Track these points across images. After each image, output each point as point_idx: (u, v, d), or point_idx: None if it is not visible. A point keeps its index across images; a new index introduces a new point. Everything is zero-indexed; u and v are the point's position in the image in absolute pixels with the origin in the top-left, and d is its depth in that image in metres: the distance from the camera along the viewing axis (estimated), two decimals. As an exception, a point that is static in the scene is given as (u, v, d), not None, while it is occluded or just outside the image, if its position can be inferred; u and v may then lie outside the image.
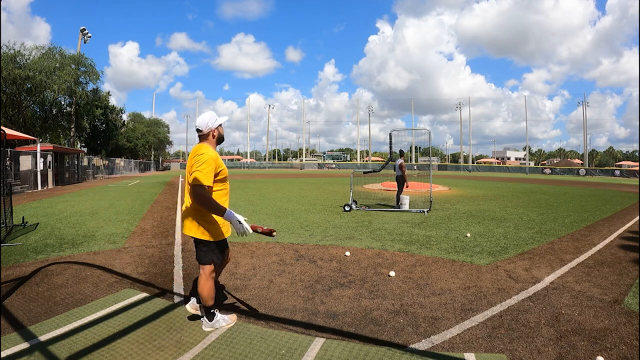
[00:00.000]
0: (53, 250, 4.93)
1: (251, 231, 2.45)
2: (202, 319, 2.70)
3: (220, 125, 2.65)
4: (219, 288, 3.43)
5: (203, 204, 2.40)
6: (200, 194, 2.38)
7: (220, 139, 2.68)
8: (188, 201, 2.57)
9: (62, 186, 18.16)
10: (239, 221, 2.40)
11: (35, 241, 5.44)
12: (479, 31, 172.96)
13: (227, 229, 2.65)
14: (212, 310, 2.66)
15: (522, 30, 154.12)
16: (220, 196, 2.58)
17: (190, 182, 2.45)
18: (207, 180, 2.40)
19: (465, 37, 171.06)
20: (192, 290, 3.38)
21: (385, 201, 11.00)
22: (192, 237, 2.56)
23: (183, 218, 2.63)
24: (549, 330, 2.69)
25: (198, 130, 2.61)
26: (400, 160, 9.31)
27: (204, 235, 2.52)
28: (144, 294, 3.35)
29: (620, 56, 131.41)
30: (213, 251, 2.58)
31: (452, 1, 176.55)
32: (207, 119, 2.58)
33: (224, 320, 2.71)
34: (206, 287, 2.58)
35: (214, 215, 2.51)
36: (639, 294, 3.39)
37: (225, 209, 2.41)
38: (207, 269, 2.58)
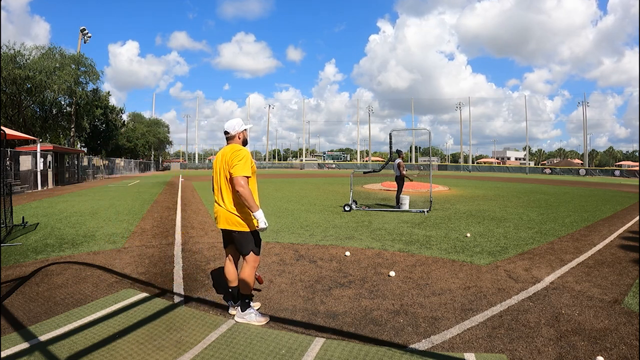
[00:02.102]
0: (53, 250, 4.93)
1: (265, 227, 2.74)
2: (236, 308, 2.85)
3: (245, 130, 2.94)
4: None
5: (244, 194, 2.61)
6: (243, 185, 2.62)
7: (244, 142, 2.95)
8: (220, 197, 2.80)
9: (62, 186, 18.17)
10: (265, 223, 2.70)
11: (35, 241, 5.44)
12: (480, 31, 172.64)
13: None
14: (247, 300, 2.80)
15: (524, 29, 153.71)
16: (252, 190, 2.81)
17: (233, 174, 2.65)
18: (247, 172, 2.66)
19: (466, 37, 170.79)
20: (226, 295, 3.14)
21: (385, 201, 11.00)
22: (230, 231, 2.78)
23: (218, 213, 2.82)
24: (549, 330, 2.69)
25: (226, 133, 2.87)
26: (398, 160, 9.32)
27: (241, 227, 2.74)
28: (144, 294, 3.35)
29: (621, 56, 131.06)
30: (252, 240, 2.78)
31: (454, 0, 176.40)
32: (235, 124, 2.88)
33: (256, 316, 2.78)
34: (251, 276, 2.79)
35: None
36: (639, 294, 3.39)
37: (259, 208, 2.70)
38: (250, 258, 2.78)
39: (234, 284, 2.94)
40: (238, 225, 2.74)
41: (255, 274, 2.90)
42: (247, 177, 2.67)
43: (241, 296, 2.82)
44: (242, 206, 2.73)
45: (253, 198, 2.67)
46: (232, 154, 2.73)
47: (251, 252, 2.79)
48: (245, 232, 2.76)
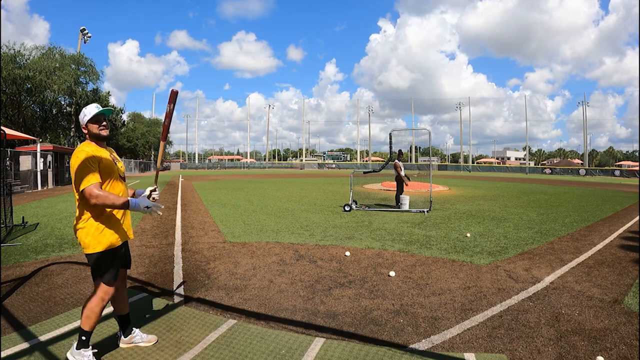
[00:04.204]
0: (53, 250, 4.93)
1: (162, 207, 2.19)
2: (73, 342, 2.24)
3: (89, 122, 2.18)
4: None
5: (102, 202, 2.03)
6: (92, 195, 2.01)
7: (94, 137, 2.21)
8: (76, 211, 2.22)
9: (62, 186, 18.16)
10: (147, 206, 2.08)
11: (35, 241, 5.44)
12: (481, 30, 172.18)
13: (121, 235, 2.27)
14: (83, 338, 2.14)
15: (526, 29, 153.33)
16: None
17: (81, 188, 2.04)
18: (91, 178, 2.05)
19: (467, 36, 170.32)
20: (122, 325, 2.51)
21: (385, 201, 11.00)
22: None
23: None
24: (549, 330, 2.69)
25: None
26: (396, 161, 9.31)
27: (86, 248, 2.16)
28: (144, 294, 3.35)
29: (623, 55, 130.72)
30: (104, 265, 2.17)
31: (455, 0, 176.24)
32: (80, 116, 2.22)
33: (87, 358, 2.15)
34: (93, 308, 2.15)
35: (111, 215, 2.20)
36: (639, 294, 3.39)
37: (128, 200, 2.07)
38: (100, 287, 2.18)
39: (115, 309, 2.48)
40: (83, 245, 2.16)
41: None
42: (97, 183, 2.06)
43: (80, 331, 2.17)
44: (85, 220, 2.14)
45: (111, 199, 2.04)
46: (72, 161, 2.12)
47: (100, 281, 2.17)
48: (91, 255, 2.16)
